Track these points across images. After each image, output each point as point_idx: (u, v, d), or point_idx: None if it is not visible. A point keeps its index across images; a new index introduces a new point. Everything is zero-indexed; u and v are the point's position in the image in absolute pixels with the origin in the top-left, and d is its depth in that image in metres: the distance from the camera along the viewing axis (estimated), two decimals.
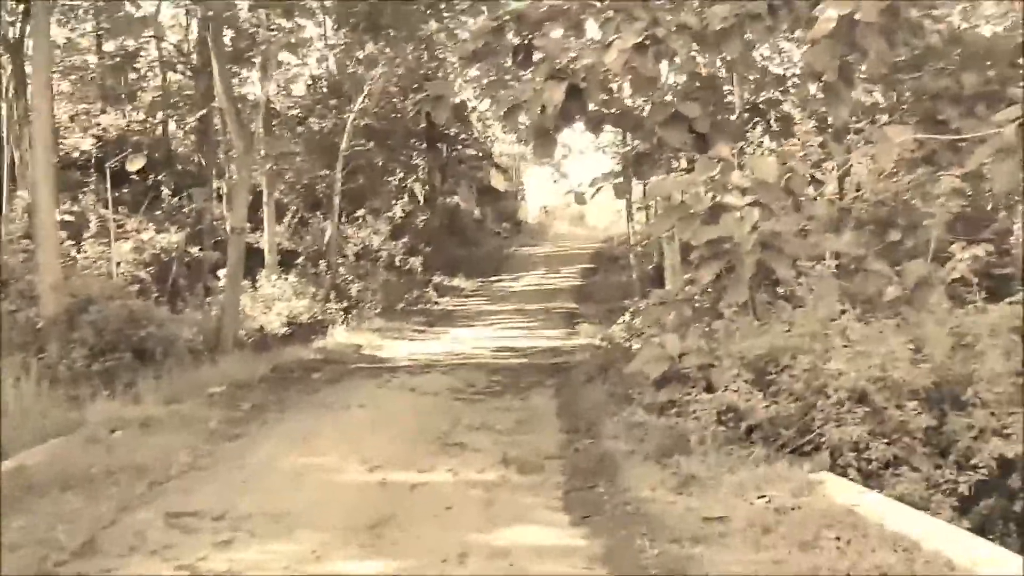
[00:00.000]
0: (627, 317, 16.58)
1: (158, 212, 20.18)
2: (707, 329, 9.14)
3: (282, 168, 22.08)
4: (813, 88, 11.85)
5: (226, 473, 7.60)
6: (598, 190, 13.39)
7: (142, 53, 22.48)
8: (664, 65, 11.13)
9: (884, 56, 8.98)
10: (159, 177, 21.37)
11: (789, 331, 7.68)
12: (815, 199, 10.75)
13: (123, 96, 24.37)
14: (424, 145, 30.50)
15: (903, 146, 8.56)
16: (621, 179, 13.92)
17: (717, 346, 8.36)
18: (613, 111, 12.94)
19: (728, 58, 11.38)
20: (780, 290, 9.36)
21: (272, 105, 25.00)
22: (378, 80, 20.85)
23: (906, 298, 8.68)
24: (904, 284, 8.70)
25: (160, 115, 24.06)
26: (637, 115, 13.65)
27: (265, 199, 20.36)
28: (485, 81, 12.11)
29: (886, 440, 6.72)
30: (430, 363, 14.52)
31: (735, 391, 7.46)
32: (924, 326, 7.80)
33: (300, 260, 20.61)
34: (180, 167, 23.89)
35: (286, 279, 19.17)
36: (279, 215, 23.70)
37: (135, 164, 17.73)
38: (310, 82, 25.70)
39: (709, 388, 7.91)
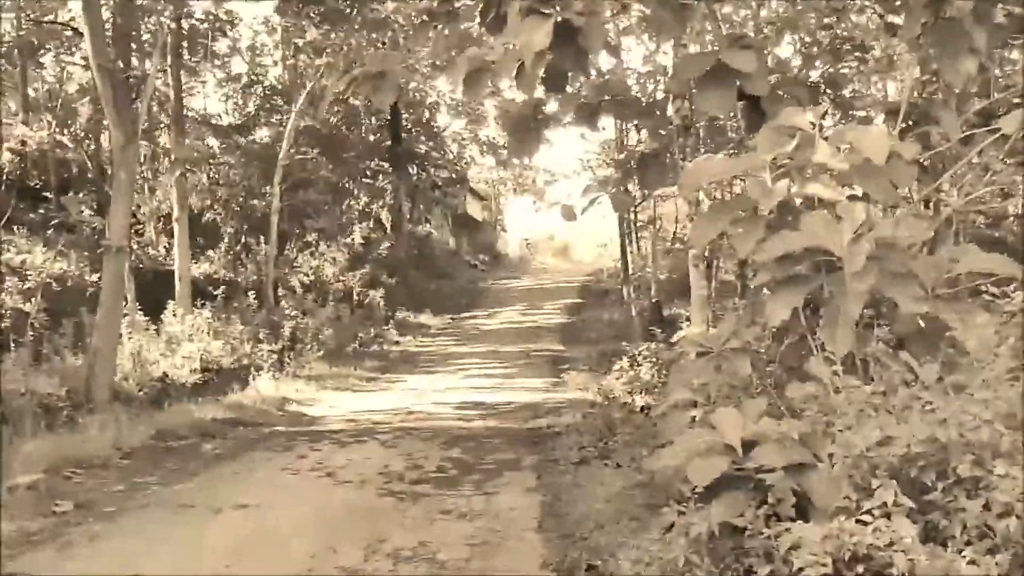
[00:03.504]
0: (625, 363, 13.26)
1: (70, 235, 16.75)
2: (777, 395, 5.74)
3: (212, 183, 18.51)
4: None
5: None
6: (592, 202, 10.20)
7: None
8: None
9: None
10: (79, 196, 17.94)
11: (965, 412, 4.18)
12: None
13: (43, 106, 21.11)
14: (390, 166, 27.11)
15: None
16: (619, 188, 10.77)
17: (810, 431, 4.90)
18: (613, 97, 9.68)
19: None
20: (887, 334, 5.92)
21: (215, 117, 21.79)
22: (324, 71, 17.36)
23: None
24: None
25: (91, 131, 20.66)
26: (644, 102, 10.52)
27: (176, 215, 16.77)
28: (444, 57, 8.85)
29: None
30: (370, 427, 10.97)
31: (865, 522, 4.00)
32: None
33: (220, 291, 16.91)
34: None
35: (201, 314, 15.51)
36: (216, 239, 20.35)
37: None
38: (261, 92, 22.43)
39: (801, 509, 4.47)
